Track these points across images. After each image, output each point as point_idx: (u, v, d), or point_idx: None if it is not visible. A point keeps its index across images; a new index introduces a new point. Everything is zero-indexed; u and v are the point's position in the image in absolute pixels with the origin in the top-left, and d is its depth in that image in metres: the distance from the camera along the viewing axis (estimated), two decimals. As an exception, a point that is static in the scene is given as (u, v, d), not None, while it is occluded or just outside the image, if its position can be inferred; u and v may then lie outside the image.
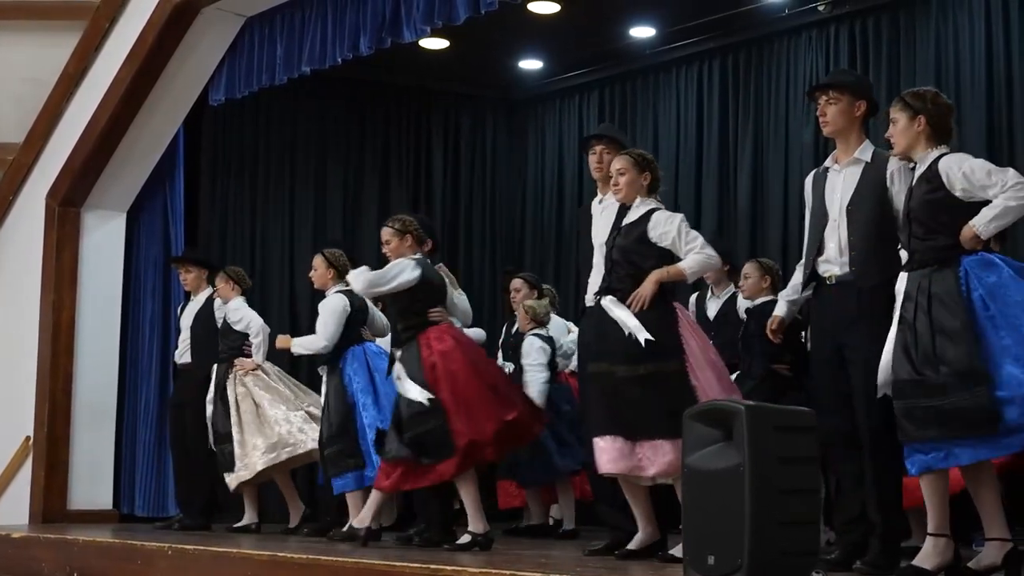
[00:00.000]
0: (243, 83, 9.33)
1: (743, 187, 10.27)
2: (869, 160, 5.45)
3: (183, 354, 9.11)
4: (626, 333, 5.99)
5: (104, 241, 10.15)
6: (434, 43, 10.49)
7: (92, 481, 9.86)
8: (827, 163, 5.63)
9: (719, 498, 4.46)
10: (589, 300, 6.36)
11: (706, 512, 4.52)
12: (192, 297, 9.19)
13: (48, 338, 9.87)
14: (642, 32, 10.74)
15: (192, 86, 9.64)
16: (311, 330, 8.41)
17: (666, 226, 6.15)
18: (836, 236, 5.44)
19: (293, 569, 6.03)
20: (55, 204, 10.01)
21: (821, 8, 9.84)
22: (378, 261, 11.10)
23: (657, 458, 5.87)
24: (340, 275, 8.21)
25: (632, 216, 6.30)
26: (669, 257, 6.15)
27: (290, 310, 11.07)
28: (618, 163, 6.40)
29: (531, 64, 11.65)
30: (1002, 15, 8.85)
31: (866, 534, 5.29)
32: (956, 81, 9.07)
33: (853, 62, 9.60)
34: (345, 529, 7.42)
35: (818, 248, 5.50)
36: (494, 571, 5.06)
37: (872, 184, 5.40)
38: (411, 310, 7.01)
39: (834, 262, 5.44)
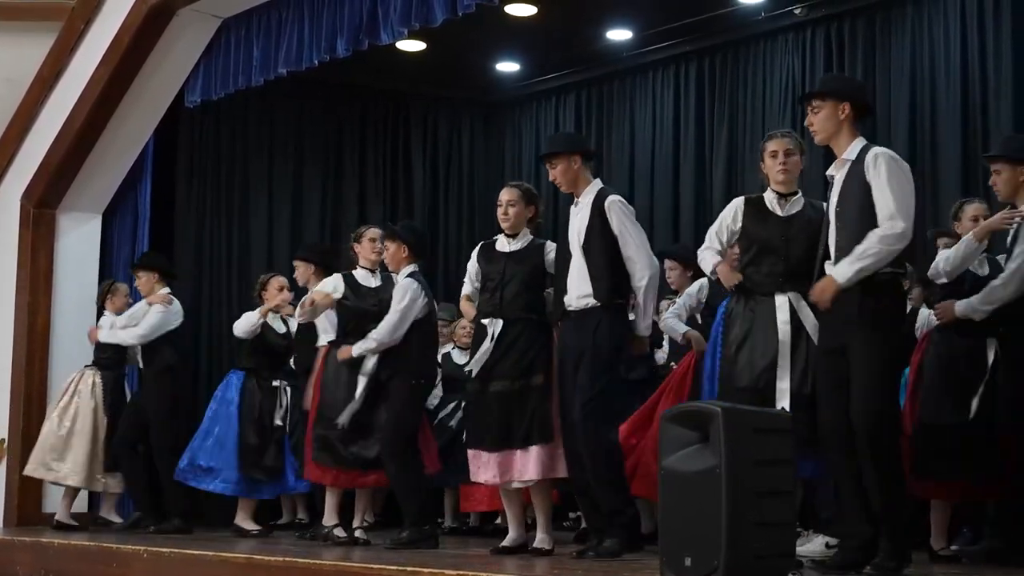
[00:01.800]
0: (219, 85, 9.31)
1: (719, 189, 10.28)
2: (853, 158, 5.40)
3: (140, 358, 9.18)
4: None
5: (79, 243, 10.12)
6: (411, 45, 10.47)
7: (67, 484, 9.82)
8: (830, 170, 5.58)
9: (696, 500, 4.47)
10: (574, 304, 6.34)
11: (683, 514, 4.53)
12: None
13: (23, 340, 9.83)
14: (619, 35, 10.75)
15: (168, 88, 9.61)
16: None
17: None
18: (833, 239, 5.42)
19: (269, 571, 6.02)
20: (30, 206, 9.97)
21: (797, 11, 9.87)
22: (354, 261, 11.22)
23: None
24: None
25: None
26: None
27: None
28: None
29: (508, 66, 11.65)
30: (977, 18, 8.88)
31: (869, 540, 5.26)
32: (931, 83, 9.11)
33: (829, 65, 9.62)
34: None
35: (825, 252, 5.49)
36: (471, 573, 5.06)
37: (854, 182, 5.35)
38: None
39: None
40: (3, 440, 9.88)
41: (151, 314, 8.94)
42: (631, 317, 6.39)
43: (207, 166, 11.07)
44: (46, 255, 9.98)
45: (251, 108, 11.06)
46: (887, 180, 5.25)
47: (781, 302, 5.86)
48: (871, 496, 5.22)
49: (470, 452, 6.63)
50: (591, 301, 6.25)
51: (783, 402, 5.68)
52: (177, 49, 9.35)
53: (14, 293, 9.95)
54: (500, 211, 6.68)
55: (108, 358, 9.27)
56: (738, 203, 6.14)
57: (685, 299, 7.59)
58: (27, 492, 9.70)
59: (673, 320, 7.54)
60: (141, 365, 9.09)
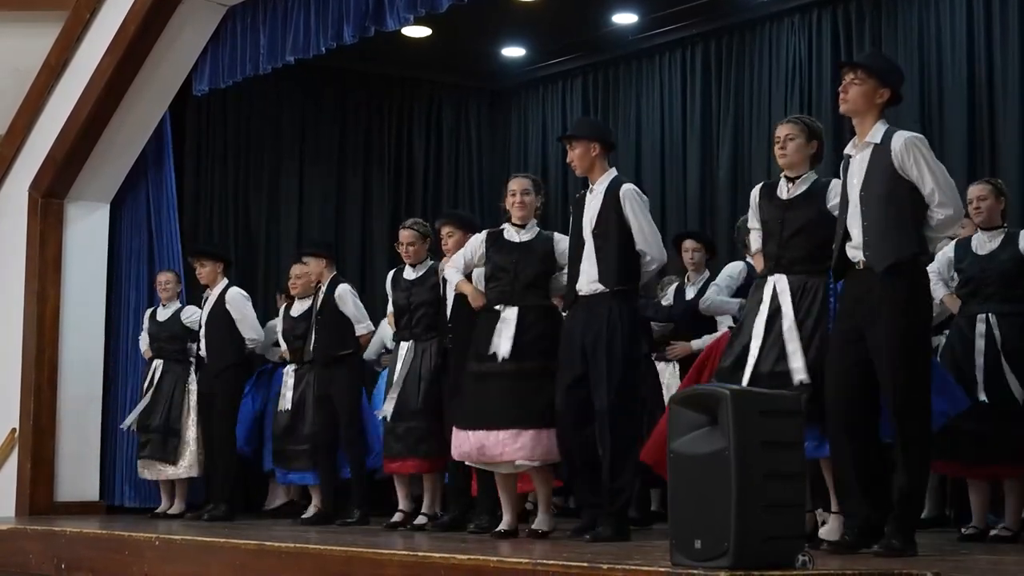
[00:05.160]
0: (226, 73, 9.32)
1: (725, 172, 10.28)
2: (879, 141, 5.43)
3: (202, 348, 9.18)
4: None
5: (88, 232, 10.13)
6: (417, 31, 10.48)
7: (78, 472, 9.86)
8: (847, 148, 5.62)
9: (705, 483, 4.47)
10: (584, 289, 6.40)
11: (692, 497, 4.53)
12: (209, 290, 9.23)
13: (33, 329, 9.86)
14: (625, 18, 10.74)
15: (175, 76, 9.62)
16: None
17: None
18: (857, 221, 5.44)
19: (280, 558, 6.03)
20: (38, 195, 9.99)
21: (803, -7, 9.87)
22: (360, 249, 11.26)
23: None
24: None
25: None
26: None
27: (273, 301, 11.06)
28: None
29: (514, 52, 11.64)
30: (984, 1, 8.87)
31: (875, 516, 5.29)
32: (938, 66, 9.10)
33: (836, 48, 9.61)
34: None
35: (844, 234, 5.49)
36: (481, 558, 5.08)
37: (880, 165, 5.39)
38: None
39: (859, 247, 5.43)
40: (14, 429, 9.91)
41: (249, 312, 9.10)
42: None
43: (214, 154, 11.09)
44: (54, 244, 9.99)
45: (257, 96, 11.07)
46: (926, 167, 5.33)
47: (774, 285, 5.87)
48: (898, 476, 5.28)
49: (462, 432, 6.65)
50: (599, 287, 6.32)
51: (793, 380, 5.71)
52: (183, 37, 9.36)
53: (23, 282, 9.97)
54: (515, 200, 6.78)
55: (176, 350, 9.38)
56: (755, 189, 6.18)
57: (727, 280, 7.72)
58: (39, 481, 9.74)
59: (721, 298, 7.69)
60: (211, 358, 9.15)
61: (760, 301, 5.83)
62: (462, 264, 6.97)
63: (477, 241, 6.96)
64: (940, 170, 5.36)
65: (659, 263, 6.48)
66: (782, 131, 5.96)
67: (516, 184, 6.82)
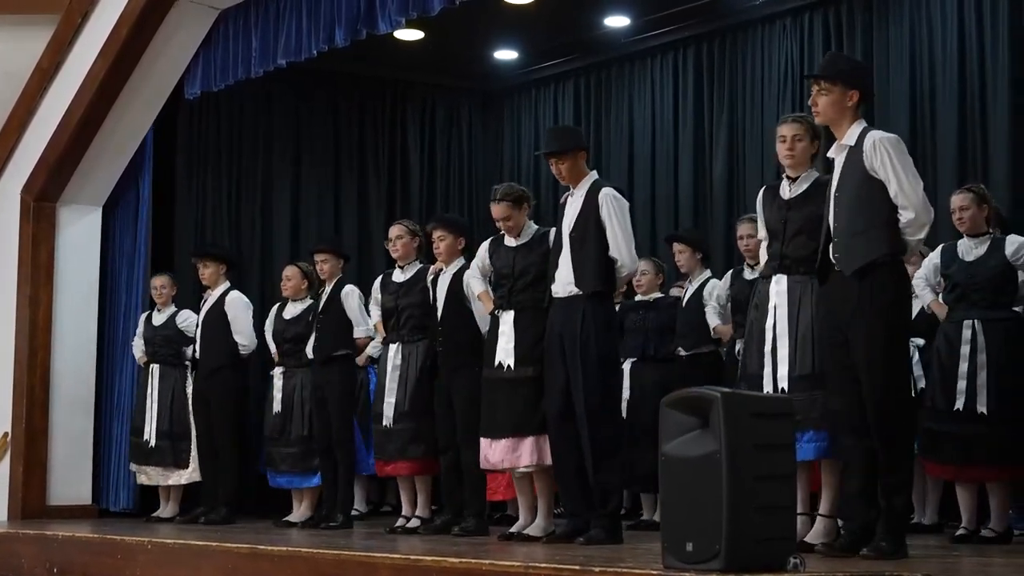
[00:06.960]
0: (218, 76, 9.32)
1: (719, 175, 10.29)
2: (853, 143, 5.40)
3: (197, 348, 9.14)
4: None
5: (80, 236, 10.13)
6: (409, 34, 10.48)
7: (71, 476, 9.85)
8: (830, 152, 5.59)
9: (696, 485, 4.48)
10: (561, 291, 6.42)
11: (683, 499, 4.55)
12: (210, 291, 9.19)
13: (25, 333, 9.85)
14: (617, 21, 10.75)
15: (167, 79, 9.62)
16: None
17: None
18: (832, 224, 5.44)
19: (273, 561, 6.04)
20: (30, 199, 9.98)
21: (795, -5, 9.87)
22: (357, 252, 11.24)
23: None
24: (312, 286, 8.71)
25: None
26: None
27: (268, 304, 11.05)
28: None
29: (506, 55, 11.65)
30: (975, 2, 8.88)
31: (873, 519, 5.28)
32: (930, 67, 9.10)
33: (828, 50, 9.61)
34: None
35: (827, 237, 5.47)
36: (473, 561, 5.08)
37: (852, 167, 5.37)
38: None
39: (837, 249, 5.43)
40: (6, 433, 9.91)
41: (245, 318, 9.06)
42: None
43: (207, 157, 11.07)
44: (47, 248, 9.99)
45: (249, 99, 11.06)
46: (891, 167, 5.27)
47: (773, 286, 5.87)
48: (880, 478, 5.25)
49: (484, 440, 6.73)
50: (575, 289, 6.36)
51: (776, 385, 5.72)
52: (175, 40, 9.35)
53: (15, 287, 9.96)
54: (500, 225, 6.84)
55: (171, 354, 9.36)
56: (760, 193, 6.17)
57: (723, 293, 7.83)
58: (31, 484, 9.73)
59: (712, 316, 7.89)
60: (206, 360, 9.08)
61: (766, 302, 5.85)
62: (478, 272, 7.08)
63: (483, 248, 7.05)
64: (907, 172, 5.29)
65: (629, 270, 6.48)
66: (789, 131, 5.90)
67: (496, 211, 6.84)
